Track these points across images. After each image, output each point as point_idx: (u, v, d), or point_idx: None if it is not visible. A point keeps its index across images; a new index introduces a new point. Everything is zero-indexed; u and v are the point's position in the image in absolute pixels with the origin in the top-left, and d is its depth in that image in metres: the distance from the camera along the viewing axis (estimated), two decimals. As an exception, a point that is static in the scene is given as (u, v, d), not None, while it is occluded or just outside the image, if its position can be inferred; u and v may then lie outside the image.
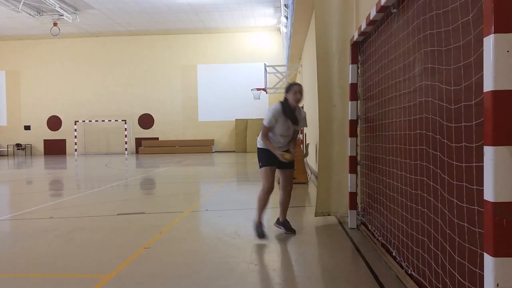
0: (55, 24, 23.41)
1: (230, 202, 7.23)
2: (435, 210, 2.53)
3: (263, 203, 4.58)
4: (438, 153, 2.46)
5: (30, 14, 21.98)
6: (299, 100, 4.45)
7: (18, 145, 29.07)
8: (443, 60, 2.39)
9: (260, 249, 4.21)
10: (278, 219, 4.90)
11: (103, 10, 22.81)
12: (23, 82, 29.46)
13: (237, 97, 27.60)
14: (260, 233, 4.48)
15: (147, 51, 28.25)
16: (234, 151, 27.17)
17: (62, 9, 21.51)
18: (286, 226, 4.78)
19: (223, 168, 15.48)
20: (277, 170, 4.66)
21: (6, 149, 29.05)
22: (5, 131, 29.38)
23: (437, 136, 2.47)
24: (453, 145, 2.24)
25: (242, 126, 27.33)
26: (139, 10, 22.91)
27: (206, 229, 5.35)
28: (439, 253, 2.46)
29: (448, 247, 2.32)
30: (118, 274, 3.50)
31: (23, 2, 20.06)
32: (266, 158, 4.56)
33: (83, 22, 24.58)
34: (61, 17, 22.45)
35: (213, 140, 27.95)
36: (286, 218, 4.83)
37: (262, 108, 27.43)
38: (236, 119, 27.54)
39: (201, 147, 27.27)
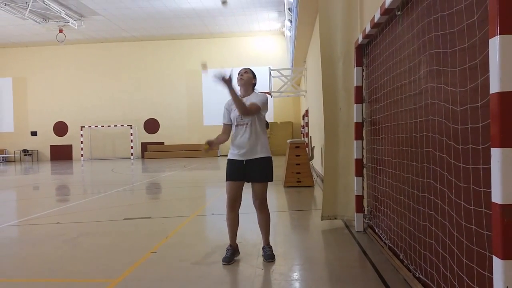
0: (60, 31, 23.61)
1: (236, 206, 7.23)
2: (442, 212, 2.52)
3: (227, 222, 4.00)
4: (444, 155, 2.45)
5: (36, 21, 22.18)
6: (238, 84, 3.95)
7: (25, 151, 29.27)
8: (448, 62, 2.38)
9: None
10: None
11: (108, 16, 22.98)
12: (29, 89, 29.70)
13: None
14: (224, 257, 3.83)
15: (152, 56, 28.39)
16: (239, 155, 27.15)
17: (67, 15, 21.69)
18: (264, 251, 3.95)
19: (228, 172, 15.47)
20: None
21: (13, 155, 29.26)
22: (12, 137, 29.60)
23: (444, 138, 2.46)
24: (459, 147, 2.23)
25: (247, 130, 27.34)
26: (144, 15, 23.06)
27: (212, 233, 5.35)
28: (447, 255, 2.44)
29: (456, 250, 2.30)
30: (125, 279, 3.51)
31: (30, 9, 20.25)
32: (227, 171, 3.97)
33: (89, 28, 24.76)
34: (66, 23, 22.64)
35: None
36: (269, 243, 4.01)
37: (267, 112, 27.44)
38: (241, 123, 27.57)
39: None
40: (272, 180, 3.95)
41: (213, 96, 28.12)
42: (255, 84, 4.05)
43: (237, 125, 3.91)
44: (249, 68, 4.05)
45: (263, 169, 3.87)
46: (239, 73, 4.01)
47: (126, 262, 3.94)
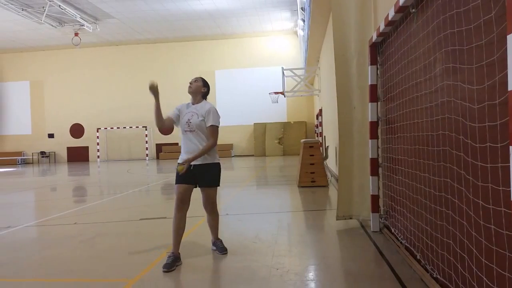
0: (76, 34, 23.98)
1: (250, 206, 7.24)
2: (460, 212, 2.48)
3: (173, 224, 3.93)
4: (462, 154, 2.42)
5: (52, 25, 22.56)
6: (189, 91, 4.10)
7: (42, 152, 29.79)
8: (464, 59, 2.35)
9: (282, 253, 4.20)
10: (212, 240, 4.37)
11: (122, 19, 23.24)
12: (46, 92, 30.22)
13: (255, 101, 27.67)
14: (165, 264, 3.72)
15: (166, 58, 28.61)
16: (253, 155, 27.21)
17: (82, 19, 22.01)
18: (217, 246, 4.25)
19: (242, 172, 15.52)
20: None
21: (31, 156, 29.80)
22: (30, 139, 30.15)
23: (460, 137, 2.43)
24: (477, 145, 2.20)
25: (261, 130, 27.36)
26: (157, 18, 23.25)
27: (227, 233, 5.37)
28: (466, 256, 2.40)
29: (474, 250, 2.27)
30: (141, 278, 3.54)
31: (46, 14, 20.61)
32: (177, 174, 3.96)
33: (103, 31, 25.08)
34: (82, 27, 22.98)
35: (232, 144, 28.05)
36: (219, 237, 4.32)
37: (280, 112, 27.43)
38: (254, 123, 27.60)
39: (220, 152, 27.24)
40: (218, 185, 4.12)
41: (225, 96, 28.21)
42: (205, 92, 4.16)
43: (185, 131, 4.01)
44: (200, 77, 4.20)
45: (212, 174, 4.03)
46: (190, 82, 4.15)
47: (142, 262, 3.98)
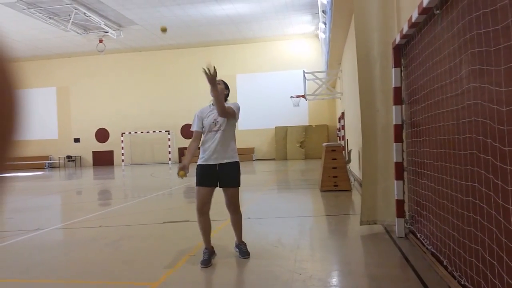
0: (100, 41, 24.52)
1: (272, 210, 7.22)
2: (488, 217, 2.41)
3: (199, 226, 4.05)
4: (490, 157, 2.35)
5: (77, 33, 23.13)
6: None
7: (68, 157, 30.51)
8: (492, 61, 2.29)
9: (304, 258, 4.17)
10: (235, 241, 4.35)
11: (145, 25, 23.64)
12: (72, 97, 30.97)
13: (276, 105, 27.64)
14: (202, 260, 3.90)
15: (188, 63, 28.92)
16: (274, 159, 27.18)
17: (107, 26, 22.49)
18: (240, 249, 4.20)
19: (263, 176, 15.51)
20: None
21: (58, 161, 30.55)
22: (56, 144, 30.94)
23: (488, 140, 2.36)
24: (506, 149, 2.14)
25: (282, 134, 27.31)
26: (179, 24, 23.56)
27: (249, 237, 5.36)
28: (495, 263, 2.33)
29: (505, 257, 2.20)
30: (165, 281, 3.58)
31: (72, 21, 21.16)
32: (198, 177, 4.05)
33: (127, 38, 25.56)
34: (106, 34, 23.48)
35: (253, 148, 28.09)
36: (243, 240, 4.27)
37: (302, 115, 27.32)
38: (275, 127, 27.58)
39: (241, 155, 27.10)
40: (240, 185, 4.11)
41: (247, 100, 28.29)
42: (227, 95, 4.21)
43: (209, 131, 4.02)
44: (221, 80, 4.16)
45: (237, 173, 4.04)
46: None
47: (166, 265, 4.02)
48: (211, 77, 3.74)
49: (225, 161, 3.98)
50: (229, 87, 4.39)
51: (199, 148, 4.13)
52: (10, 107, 0.44)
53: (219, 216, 6.81)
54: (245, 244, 4.24)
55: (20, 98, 0.44)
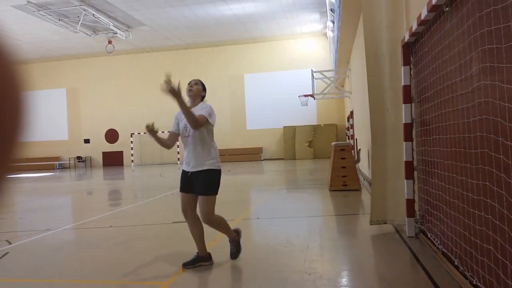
0: (109, 42, 24.69)
1: (281, 210, 7.21)
2: (500, 216, 2.38)
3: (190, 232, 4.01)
4: (501, 156, 2.32)
5: (86, 34, 23.31)
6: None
7: (78, 157, 30.77)
8: (503, 58, 2.26)
9: (314, 258, 4.16)
10: None
11: (153, 26, 23.75)
12: (82, 98, 31.23)
13: (284, 105, 27.60)
14: (185, 261, 3.93)
15: (196, 63, 29.01)
16: (282, 159, 27.14)
17: (116, 27, 22.64)
18: (231, 248, 4.10)
19: (272, 176, 15.50)
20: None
21: (68, 161, 30.84)
22: (66, 145, 31.23)
23: (500, 138, 2.33)
24: (518, 147, 2.11)
25: (290, 133, 27.26)
26: (187, 24, 23.63)
27: (258, 237, 5.36)
28: (508, 262, 2.30)
29: (517, 257, 2.17)
30: (175, 281, 3.59)
31: (81, 23, 21.33)
32: (180, 182, 3.95)
33: (135, 38, 25.70)
34: (115, 35, 23.64)
35: (261, 148, 28.08)
36: (236, 238, 4.07)
37: (310, 115, 27.25)
38: (284, 126, 27.53)
39: (250, 155, 27.49)
40: (215, 194, 3.80)
41: (255, 100, 28.31)
42: (203, 96, 4.02)
43: (184, 137, 3.85)
44: (199, 80, 4.03)
45: (207, 182, 3.74)
46: (189, 84, 3.98)
47: (175, 265, 4.03)
48: (172, 89, 3.40)
49: (198, 169, 3.75)
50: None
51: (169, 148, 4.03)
52: (15, 109, 0.44)
53: (226, 216, 6.82)
54: (237, 243, 4.06)
55: (25, 100, 0.44)
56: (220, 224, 3.96)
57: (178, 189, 3.97)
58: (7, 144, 0.42)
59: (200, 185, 3.74)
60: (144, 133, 29.55)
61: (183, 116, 3.77)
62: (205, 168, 3.74)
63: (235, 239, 4.06)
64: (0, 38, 0.42)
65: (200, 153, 3.75)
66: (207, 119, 3.72)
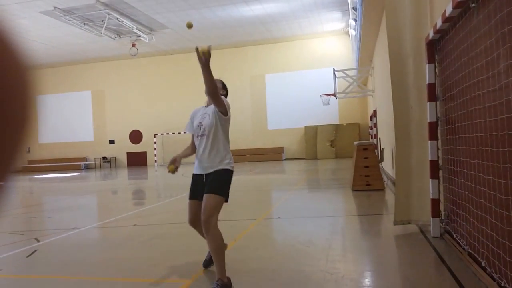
0: (133, 45, 25.11)
1: (303, 210, 7.18)
2: (530, 217, 2.31)
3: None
4: (531, 155, 2.25)
5: (111, 37, 23.78)
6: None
7: (104, 158, 31.41)
8: (533, 54, 2.19)
9: (336, 258, 4.12)
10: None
11: (175, 28, 24.02)
12: (107, 100, 31.87)
13: (306, 104, 27.48)
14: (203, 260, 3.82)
15: (218, 64, 29.14)
16: (304, 158, 27.02)
17: (139, 30, 23.01)
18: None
19: (294, 175, 15.45)
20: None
21: (94, 162, 31.52)
22: (92, 146, 31.93)
23: (530, 137, 2.27)
24: (549, 145, 2.04)
25: (312, 133, 27.11)
26: (208, 26, 23.80)
27: (280, 237, 5.36)
28: (538, 264, 2.23)
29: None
30: (197, 280, 3.62)
31: (105, 26, 21.77)
32: (190, 188, 3.69)
33: (158, 41, 26.06)
34: (138, 38, 24.03)
35: (282, 147, 28.03)
36: (222, 276, 3.29)
37: (332, 114, 27.04)
38: (305, 126, 27.41)
39: (271, 155, 27.48)
40: (223, 196, 3.39)
41: (277, 100, 28.28)
42: (223, 95, 3.69)
43: (197, 136, 3.55)
44: (219, 79, 3.73)
45: (218, 180, 3.40)
46: None
47: (198, 264, 4.07)
48: (206, 60, 3.17)
49: (213, 169, 3.46)
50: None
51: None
52: (22, 113, 0.45)
53: (248, 216, 6.84)
54: (222, 283, 3.24)
55: (33, 105, 0.45)
56: (215, 240, 3.28)
57: None
58: (10, 147, 0.43)
59: (209, 184, 3.40)
60: (167, 133, 29.96)
61: (197, 115, 3.65)
62: (219, 168, 3.45)
63: (223, 281, 3.27)
64: (10, 40, 0.43)
65: (216, 154, 3.47)
66: (224, 104, 3.43)
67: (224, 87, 3.82)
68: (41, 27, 22.11)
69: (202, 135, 3.51)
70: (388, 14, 5.04)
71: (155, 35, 24.72)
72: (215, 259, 3.30)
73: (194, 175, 3.63)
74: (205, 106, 3.69)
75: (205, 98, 3.64)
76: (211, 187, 3.37)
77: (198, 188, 3.51)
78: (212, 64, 3.20)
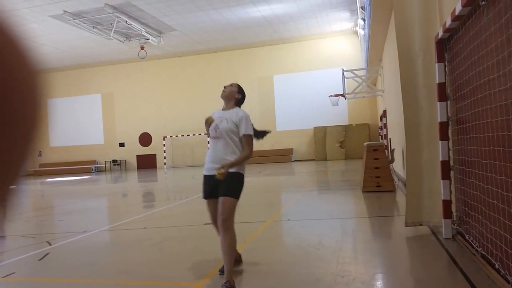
0: (142, 48, 25.28)
1: (313, 212, 7.15)
2: (545, 218, 2.27)
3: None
4: (545, 155, 2.21)
5: (120, 41, 23.96)
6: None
7: (114, 161, 31.62)
8: (545, 52, 2.15)
9: (347, 260, 4.09)
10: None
11: (184, 31, 24.13)
12: (116, 103, 32.10)
13: (314, 105, 27.39)
14: (222, 267, 3.67)
15: (225, 66, 29.25)
16: (313, 160, 26.93)
17: (148, 33, 23.15)
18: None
19: (303, 177, 15.40)
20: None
21: (104, 165, 31.76)
22: (102, 149, 32.17)
23: (543, 136, 2.22)
24: None
25: (321, 134, 27.01)
26: (216, 28, 23.87)
27: (289, 239, 5.34)
28: (553, 267, 2.19)
29: None
30: (207, 282, 3.62)
31: (114, 30, 21.94)
32: (203, 188, 3.73)
33: (167, 44, 26.19)
34: (147, 41, 24.19)
35: (291, 149, 27.96)
36: (230, 278, 3.36)
37: (341, 115, 26.91)
38: (314, 127, 27.32)
39: (280, 157, 27.42)
40: (237, 198, 3.54)
41: (285, 101, 28.23)
42: (239, 99, 3.83)
43: (212, 137, 3.65)
44: (236, 83, 3.90)
45: (233, 183, 3.52)
46: (224, 86, 3.92)
47: (208, 266, 4.07)
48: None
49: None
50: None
51: None
52: (33, 117, 0.44)
53: (257, 218, 6.82)
54: (230, 285, 3.30)
55: (44, 108, 0.45)
56: (231, 240, 3.46)
57: None
58: (20, 153, 0.43)
59: (224, 186, 3.50)
60: (176, 136, 30.07)
61: (216, 117, 3.72)
62: (233, 170, 3.54)
63: (231, 283, 3.34)
64: (22, 44, 0.42)
65: (231, 157, 3.55)
66: (251, 138, 3.67)
67: (240, 91, 3.89)
68: (51, 31, 22.35)
69: (217, 138, 3.61)
70: (397, 13, 4.99)
71: (164, 37, 24.85)
72: (226, 259, 3.40)
73: (205, 176, 3.70)
74: (223, 109, 3.81)
75: (217, 101, 3.69)
76: (228, 190, 3.50)
77: (211, 188, 3.60)
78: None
